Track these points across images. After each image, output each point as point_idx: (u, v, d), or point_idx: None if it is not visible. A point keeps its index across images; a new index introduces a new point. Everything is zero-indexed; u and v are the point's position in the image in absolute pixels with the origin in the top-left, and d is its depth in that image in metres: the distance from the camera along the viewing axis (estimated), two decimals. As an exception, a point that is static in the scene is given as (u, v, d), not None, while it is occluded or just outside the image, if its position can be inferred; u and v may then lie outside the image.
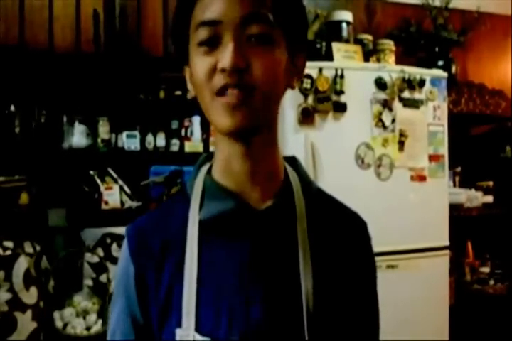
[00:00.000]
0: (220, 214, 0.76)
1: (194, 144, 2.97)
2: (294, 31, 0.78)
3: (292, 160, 0.86)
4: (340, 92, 2.71)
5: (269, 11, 0.72)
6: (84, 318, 2.43)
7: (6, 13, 2.66)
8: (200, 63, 0.73)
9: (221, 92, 0.71)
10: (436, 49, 3.35)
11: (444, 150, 3.00)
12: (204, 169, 0.83)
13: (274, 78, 0.73)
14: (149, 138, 2.93)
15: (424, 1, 3.35)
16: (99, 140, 2.84)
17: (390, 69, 2.92)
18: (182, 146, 2.97)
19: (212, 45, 0.72)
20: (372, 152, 2.80)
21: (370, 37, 3.18)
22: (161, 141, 2.95)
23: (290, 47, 0.77)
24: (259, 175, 0.78)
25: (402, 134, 2.87)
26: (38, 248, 2.45)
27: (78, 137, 2.79)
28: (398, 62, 3.16)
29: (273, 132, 0.80)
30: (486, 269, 3.43)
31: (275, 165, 0.81)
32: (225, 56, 0.69)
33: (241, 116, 0.71)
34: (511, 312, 3.14)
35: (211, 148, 2.95)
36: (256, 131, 0.75)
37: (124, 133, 2.89)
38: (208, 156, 0.87)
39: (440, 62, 3.31)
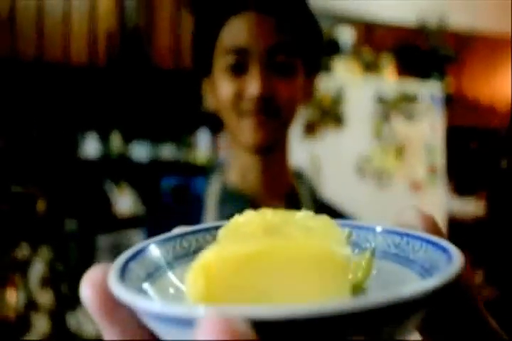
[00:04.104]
0: (232, 214, 0.82)
1: (204, 155, 3.00)
2: (313, 59, 0.84)
3: (299, 171, 0.94)
4: (341, 105, 2.78)
5: (292, 41, 0.77)
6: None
7: (22, 27, 2.76)
8: (226, 87, 0.77)
9: (247, 115, 0.77)
10: (433, 64, 3.40)
11: (440, 161, 3.06)
12: (218, 176, 0.88)
13: (295, 104, 0.81)
14: (161, 148, 2.96)
15: (420, 24, 3.43)
16: (111, 150, 2.89)
17: (389, 83, 2.99)
18: (192, 157, 2.99)
19: (238, 70, 0.76)
20: (371, 163, 2.86)
21: (369, 51, 3.22)
22: (171, 151, 2.98)
23: (308, 72, 0.83)
24: (272, 182, 0.85)
25: (400, 146, 2.94)
26: (53, 252, 2.53)
27: (91, 147, 2.85)
28: (397, 76, 3.22)
29: (287, 144, 0.87)
30: (479, 278, 3.47)
31: (286, 173, 0.88)
32: (253, 85, 0.75)
33: (264, 135, 0.78)
34: (501, 319, 3.20)
35: (220, 158, 2.95)
36: (275, 145, 0.82)
37: (136, 144, 2.93)
38: (221, 164, 0.92)
39: (436, 77, 3.36)
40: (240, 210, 0.77)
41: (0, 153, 2.66)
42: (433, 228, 0.27)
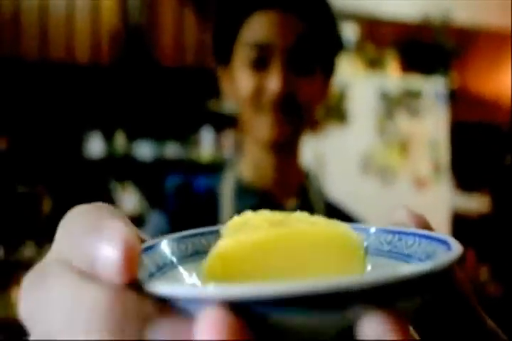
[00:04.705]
0: (247, 209, 0.82)
1: (208, 153, 3.00)
2: (331, 59, 0.86)
3: (307, 171, 0.95)
4: (345, 102, 2.80)
5: (313, 41, 0.79)
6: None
7: (26, 27, 2.77)
8: (246, 81, 0.78)
9: (265, 111, 0.78)
10: (437, 60, 3.42)
11: (444, 158, 3.09)
12: (231, 171, 0.89)
13: (314, 103, 0.82)
14: (164, 147, 2.97)
15: (424, 20, 3.44)
16: (115, 149, 2.90)
17: (393, 79, 3.01)
18: (196, 155, 2.99)
19: (259, 65, 0.77)
20: (375, 160, 2.88)
21: (373, 47, 3.24)
22: (175, 150, 2.99)
23: (326, 73, 0.85)
24: (285, 179, 0.86)
25: (404, 143, 2.96)
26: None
27: (95, 147, 2.86)
28: (401, 72, 3.24)
29: (300, 142, 0.87)
30: (484, 274, 3.48)
31: (298, 171, 0.89)
32: (273, 81, 0.75)
33: (281, 132, 0.79)
34: (506, 315, 3.20)
35: (225, 156, 2.97)
36: (290, 143, 0.84)
37: (140, 143, 2.94)
38: (233, 160, 0.93)
39: (440, 73, 3.38)
40: (255, 205, 0.76)
41: (5, 153, 2.68)
42: (424, 226, 0.27)
